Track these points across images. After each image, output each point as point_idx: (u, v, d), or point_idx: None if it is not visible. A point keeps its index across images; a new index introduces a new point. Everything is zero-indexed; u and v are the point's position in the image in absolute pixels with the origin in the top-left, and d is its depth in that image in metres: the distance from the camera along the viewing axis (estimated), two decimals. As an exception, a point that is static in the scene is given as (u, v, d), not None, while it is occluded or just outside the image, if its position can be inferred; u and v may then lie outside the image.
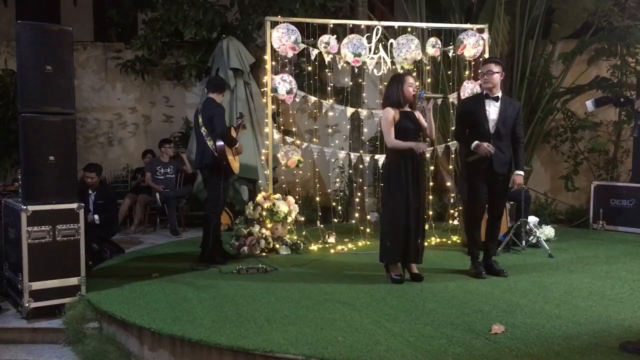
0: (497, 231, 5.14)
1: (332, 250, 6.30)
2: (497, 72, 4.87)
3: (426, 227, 6.75)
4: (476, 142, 4.82)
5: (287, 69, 6.60)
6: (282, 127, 6.79)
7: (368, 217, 7.51)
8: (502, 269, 5.00)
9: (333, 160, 7.31)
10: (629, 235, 7.20)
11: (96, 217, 6.13)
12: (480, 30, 6.81)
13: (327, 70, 6.80)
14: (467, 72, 6.96)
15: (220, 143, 5.45)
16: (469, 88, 6.68)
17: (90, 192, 6.25)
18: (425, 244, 5.14)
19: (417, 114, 4.90)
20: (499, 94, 4.92)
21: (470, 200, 5.07)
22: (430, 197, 7.17)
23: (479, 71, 5.13)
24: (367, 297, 4.33)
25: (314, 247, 6.38)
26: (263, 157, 7.09)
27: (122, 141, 9.69)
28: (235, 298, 4.34)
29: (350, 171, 8.31)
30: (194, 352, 3.47)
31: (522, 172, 4.99)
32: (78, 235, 4.41)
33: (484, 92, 4.96)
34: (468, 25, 6.94)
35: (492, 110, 4.87)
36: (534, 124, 8.63)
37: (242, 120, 6.08)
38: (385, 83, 5.14)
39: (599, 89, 8.88)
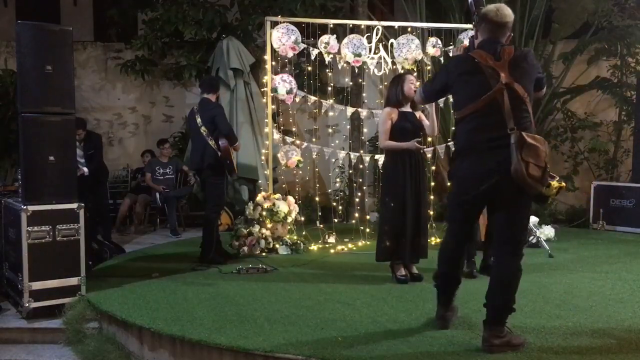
0: None
1: (332, 250, 6.30)
2: None
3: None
4: None
5: (287, 69, 6.60)
6: (282, 127, 6.79)
7: (368, 217, 7.51)
8: None
9: (333, 160, 7.31)
10: (629, 235, 7.19)
11: (85, 170, 6.09)
12: (480, 30, 6.79)
13: (327, 70, 6.80)
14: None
15: (223, 142, 5.41)
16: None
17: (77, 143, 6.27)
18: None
19: (418, 114, 4.90)
20: None
21: None
22: (431, 197, 7.17)
23: None
24: (367, 297, 4.34)
25: (314, 247, 6.38)
26: (263, 157, 7.09)
27: (122, 141, 9.69)
28: (235, 298, 4.34)
29: (350, 171, 8.31)
30: (194, 352, 3.47)
31: None
32: (78, 235, 4.41)
33: None
34: (468, 25, 6.92)
35: None
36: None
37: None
38: (386, 83, 5.16)
39: (599, 89, 8.88)
